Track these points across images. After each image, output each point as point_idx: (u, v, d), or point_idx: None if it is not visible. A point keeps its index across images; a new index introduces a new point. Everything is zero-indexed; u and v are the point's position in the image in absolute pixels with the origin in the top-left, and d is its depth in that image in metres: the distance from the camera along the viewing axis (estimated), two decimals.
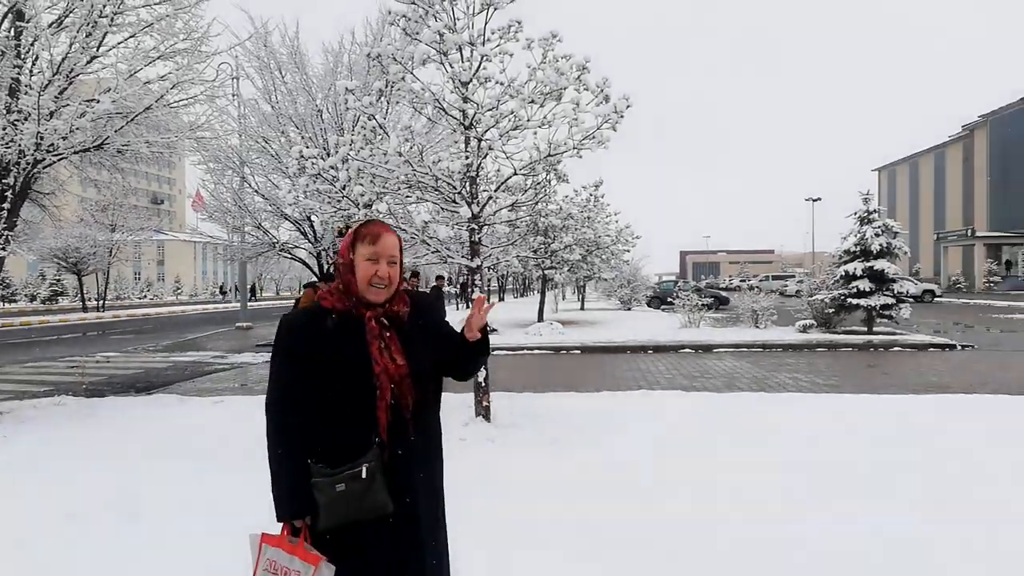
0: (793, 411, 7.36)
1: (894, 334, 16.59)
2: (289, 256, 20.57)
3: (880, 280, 16.87)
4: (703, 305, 19.75)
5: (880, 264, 16.82)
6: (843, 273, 17.33)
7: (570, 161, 6.97)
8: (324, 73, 17.20)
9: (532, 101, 6.45)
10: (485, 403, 6.84)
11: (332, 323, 2.14)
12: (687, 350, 14.87)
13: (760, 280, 48.92)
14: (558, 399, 8.30)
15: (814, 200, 64.94)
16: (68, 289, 48.54)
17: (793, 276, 48.85)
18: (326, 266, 18.53)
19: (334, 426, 2.10)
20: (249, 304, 24.59)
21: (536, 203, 7.41)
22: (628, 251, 21.75)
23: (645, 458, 5.55)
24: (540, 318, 21.39)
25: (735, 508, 4.33)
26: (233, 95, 16.94)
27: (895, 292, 16.81)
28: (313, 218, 17.06)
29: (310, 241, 18.17)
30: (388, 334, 2.15)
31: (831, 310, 17.54)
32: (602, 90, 6.42)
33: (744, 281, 61.67)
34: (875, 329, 17.16)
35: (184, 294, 77.81)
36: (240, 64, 16.99)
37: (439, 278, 16.11)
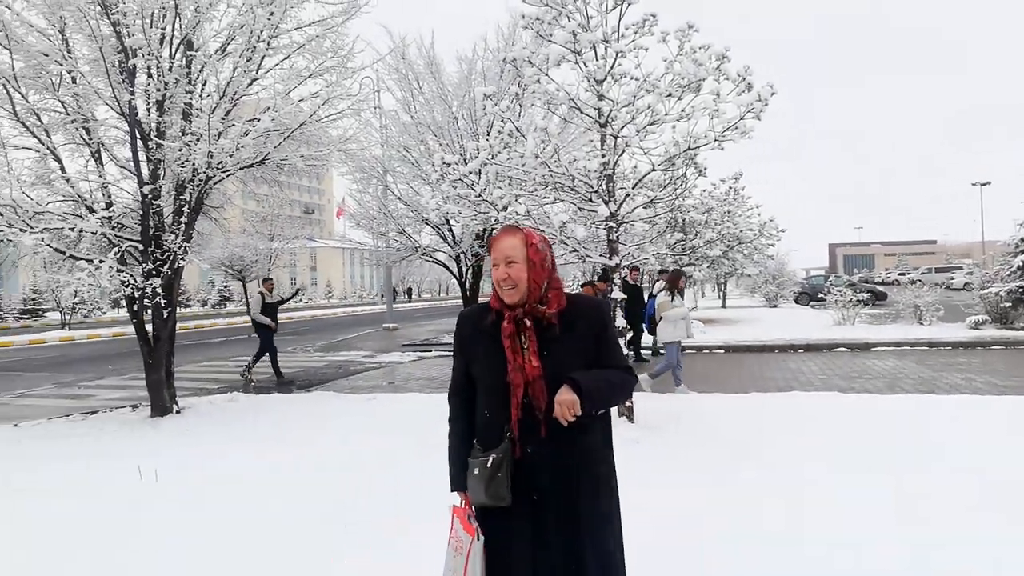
0: (971, 415, 6.71)
1: None
2: (430, 259, 21.35)
3: None
4: (858, 301, 18.47)
5: None
6: (1021, 263, 15.64)
7: (708, 154, 6.74)
8: (459, 81, 17.69)
9: (669, 94, 6.29)
10: (628, 403, 6.75)
11: (489, 321, 2.28)
12: (842, 349, 13.98)
13: (922, 273, 45.01)
14: (702, 400, 8.05)
15: (982, 184, 59.13)
16: (234, 294, 52.95)
17: (960, 268, 44.70)
18: (465, 269, 19.07)
19: (483, 415, 2.29)
20: (399, 306, 25.73)
21: (675, 198, 7.22)
22: (772, 245, 20.78)
23: (800, 466, 5.24)
24: (643, 319, 20.86)
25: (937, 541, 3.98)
26: (375, 107, 17.76)
27: None
28: (452, 222, 17.60)
29: (449, 245, 18.75)
30: (527, 334, 2.21)
31: (1007, 304, 15.85)
32: (744, 79, 6.15)
33: (903, 274, 57.12)
34: None
35: (334, 297, 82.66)
36: (380, 77, 17.78)
37: (633, 269, 15.37)
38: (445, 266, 20.24)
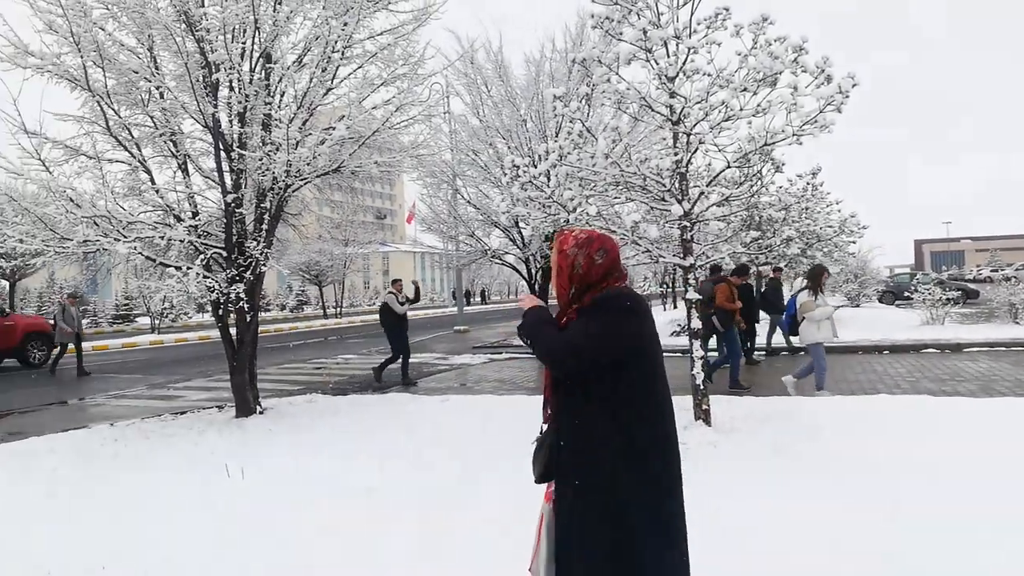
0: None
1: None
2: (499, 262, 21.50)
3: None
4: (948, 299, 17.55)
5: None
6: None
7: (786, 149, 6.54)
8: (527, 83, 17.76)
9: (744, 89, 6.13)
10: (704, 406, 6.61)
11: None
12: (931, 350, 13.31)
13: (1016, 269, 42.47)
14: (782, 403, 7.80)
15: None
16: (311, 298, 54.52)
17: None
18: (534, 271, 19.10)
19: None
20: (470, 309, 26.03)
21: (751, 195, 7.03)
22: (854, 242, 19.93)
23: (892, 476, 5.01)
24: (757, 318, 20.33)
25: None
26: (445, 112, 18.01)
27: None
28: (522, 224, 17.66)
29: (518, 247, 18.84)
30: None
31: None
32: (823, 70, 5.93)
33: (996, 271, 53.98)
34: None
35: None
36: (450, 82, 18.02)
37: (776, 270, 14.78)
38: (515, 268, 20.34)
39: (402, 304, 12.24)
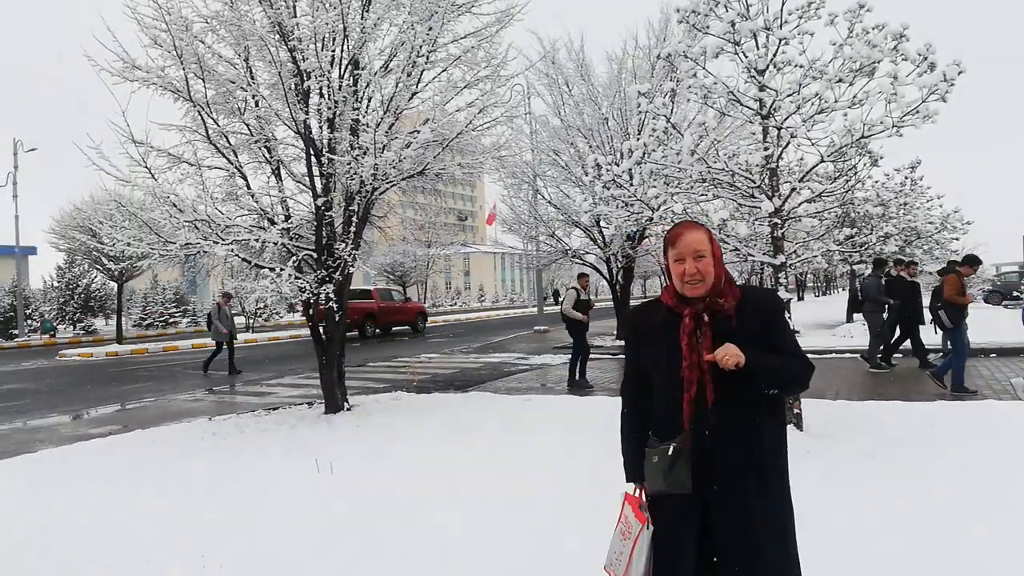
0: None
1: None
2: (580, 262, 21.38)
3: None
4: None
5: None
6: None
7: (885, 142, 6.23)
8: (608, 81, 17.61)
9: (839, 80, 5.87)
10: (796, 410, 6.37)
11: (662, 317, 2.36)
12: None
13: None
14: (878, 408, 7.43)
15: None
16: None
17: None
18: (615, 270, 18.91)
19: (658, 406, 2.37)
20: (550, 309, 26.05)
21: (846, 191, 6.73)
22: (957, 239, 18.82)
23: (979, 482, 4.70)
24: (849, 318, 19.49)
25: None
26: (526, 113, 18.03)
27: None
28: (603, 224, 17.51)
29: (600, 247, 18.69)
30: (702, 330, 2.25)
31: None
32: (925, 58, 5.62)
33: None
34: None
35: (486, 300, 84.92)
36: (531, 83, 18.06)
37: (910, 265, 13.30)
38: (596, 268, 20.19)
39: (583, 300, 11.44)
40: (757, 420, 2.27)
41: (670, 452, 2.23)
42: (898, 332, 12.22)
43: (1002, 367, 11.19)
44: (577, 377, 11.35)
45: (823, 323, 20.31)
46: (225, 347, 15.74)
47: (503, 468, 5.69)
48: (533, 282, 32.16)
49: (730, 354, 2.13)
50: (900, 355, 12.76)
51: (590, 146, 16.88)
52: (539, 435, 6.84)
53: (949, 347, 9.75)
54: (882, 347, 11.96)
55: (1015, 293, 24.04)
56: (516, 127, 14.25)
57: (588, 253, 20.42)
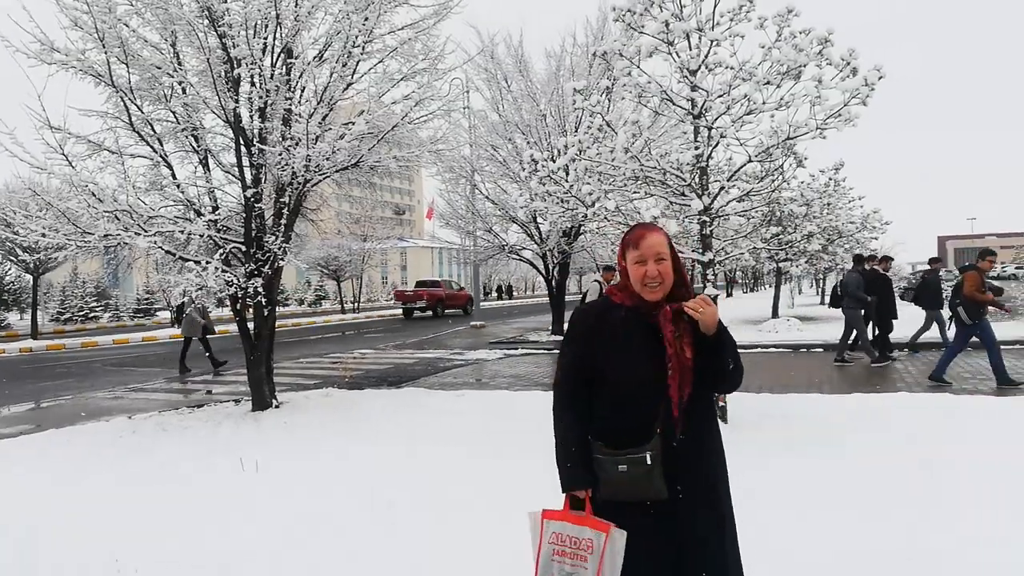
0: None
1: None
2: (517, 257, 21.47)
3: None
4: None
5: None
6: None
7: (809, 144, 6.45)
8: (547, 78, 17.71)
9: (767, 82, 6.04)
10: (721, 403, 6.54)
11: (622, 316, 2.24)
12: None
13: None
14: (800, 401, 7.71)
15: None
16: (329, 293, 54.79)
17: None
18: (551, 266, 19.06)
19: (619, 411, 2.20)
20: (487, 304, 26.12)
21: (773, 190, 6.94)
22: (876, 238, 19.80)
23: (908, 469, 4.93)
24: (775, 314, 20.16)
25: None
26: (464, 108, 17.96)
27: None
28: (540, 220, 17.63)
29: (536, 243, 18.82)
30: (683, 324, 2.19)
31: None
32: (848, 63, 5.83)
33: (1021, 268, 53.11)
34: None
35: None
36: (470, 77, 17.99)
37: (935, 260, 13.47)
38: (532, 264, 20.30)
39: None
40: (710, 421, 2.27)
41: (648, 460, 2.11)
42: (871, 326, 12.27)
43: (916, 361, 11.75)
44: None
45: (750, 319, 20.94)
46: (197, 341, 14.69)
47: (432, 465, 5.64)
48: (471, 277, 32.06)
49: (704, 303, 2.12)
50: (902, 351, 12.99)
51: (528, 142, 16.93)
52: (472, 429, 6.83)
53: (950, 342, 9.89)
54: (858, 342, 11.90)
55: None
56: (454, 121, 14.13)
57: (525, 249, 20.53)
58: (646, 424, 2.16)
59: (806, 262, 18.49)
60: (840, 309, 12.16)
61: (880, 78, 5.82)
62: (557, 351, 11.74)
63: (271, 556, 3.93)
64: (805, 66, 5.90)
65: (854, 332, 11.87)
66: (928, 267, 13.64)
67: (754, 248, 8.12)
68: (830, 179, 8.79)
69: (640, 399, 2.18)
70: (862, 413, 6.87)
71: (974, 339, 9.20)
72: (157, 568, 3.83)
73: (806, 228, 7.71)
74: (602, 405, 2.24)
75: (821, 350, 14.03)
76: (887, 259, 13.10)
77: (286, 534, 4.23)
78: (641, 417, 2.17)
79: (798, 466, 5.16)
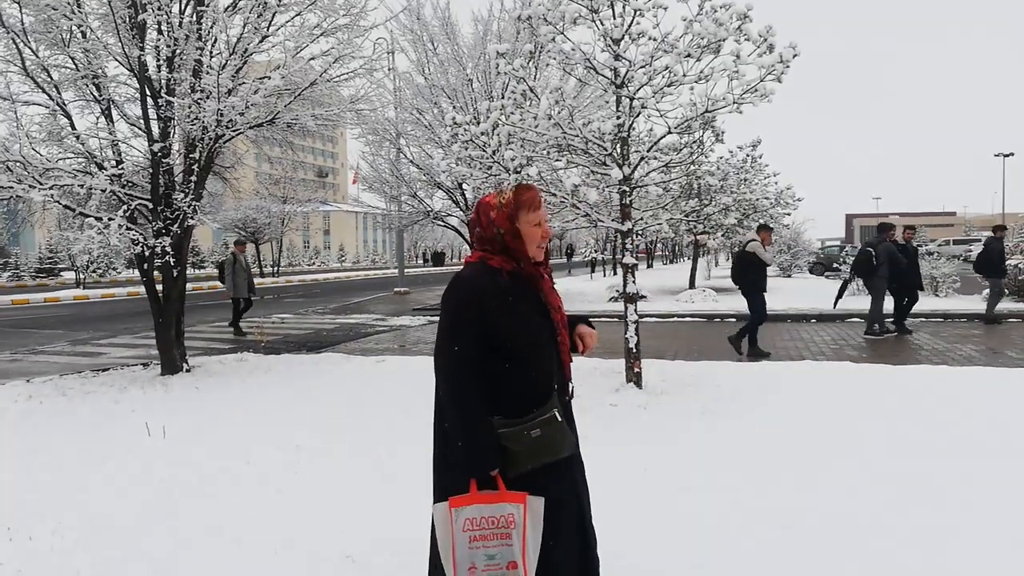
0: (980, 384, 6.63)
1: None
2: (442, 224, 21.29)
3: None
4: None
5: None
6: None
7: (728, 119, 6.60)
8: (474, 43, 17.43)
9: (688, 55, 6.10)
10: (636, 369, 6.71)
11: (506, 281, 2.22)
12: (856, 320, 13.83)
13: (939, 244, 44.46)
14: (712, 368, 7.99)
15: (1005, 156, 58.01)
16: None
17: (979, 240, 44.04)
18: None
19: (523, 375, 2.19)
20: (412, 271, 25.90)
21: (691, 163, 7.07)
22: (789, 214, 20.55)
23: (796, 432, 5.20)
24: (692, 285, 20.76)
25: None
26: (389, 69, 17.53)
27: None
28: (465, 187, 17.48)
29: (461, 209, 18.68)
30: (553, 285, 2.39)
31: None
32: (765, 39, 5.94)
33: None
34: None
35: (347, 261, 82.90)
36: (395, 38, 17.55)
37: (999, 228, 12.93)
38: (457, 231, 20.17)
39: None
40: None
41: (558, 417, 2.16)
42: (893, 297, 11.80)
43: (820, 331, 12.36)
44: None
45: (668, 289, 21.51)
46: (242, 301, 13.91)
47: (349, 430, 5.58)
48: (395, 243, 31.66)
49: (594, 337, 2.46)
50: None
51: (454, 107, 16.69)
52: (390, 395, 6.78)
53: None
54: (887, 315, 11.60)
55: (835, 265, 26.50)
56: (377, 81, 13.73)
57: (450, 215, 20.37)
58: (548, 383, 2.23)
59: (723, 235, 19.02)
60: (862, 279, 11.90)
61: (795, 56, 5.97)
62: None
63: (179, 525, 3.82)
64: (724, 40, 5.98)
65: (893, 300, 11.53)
66: (992, 234, 13.14)
67: (673, 219, 8.28)
68: (747, 155, 9.06)
69: (543, 359, 2.23)
70: (768, 380, 7.18)
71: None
72: (53, 539, 3.66)
73: (722, 201, 7.91)
74: (503, 374, 2.17)
75: (734, 320, 14.57)
76: (911, 228, 12.84)
77: (194, 501, 4.11)
78: (544, 377, 2.22)
79: (708, 428, 5.37)
